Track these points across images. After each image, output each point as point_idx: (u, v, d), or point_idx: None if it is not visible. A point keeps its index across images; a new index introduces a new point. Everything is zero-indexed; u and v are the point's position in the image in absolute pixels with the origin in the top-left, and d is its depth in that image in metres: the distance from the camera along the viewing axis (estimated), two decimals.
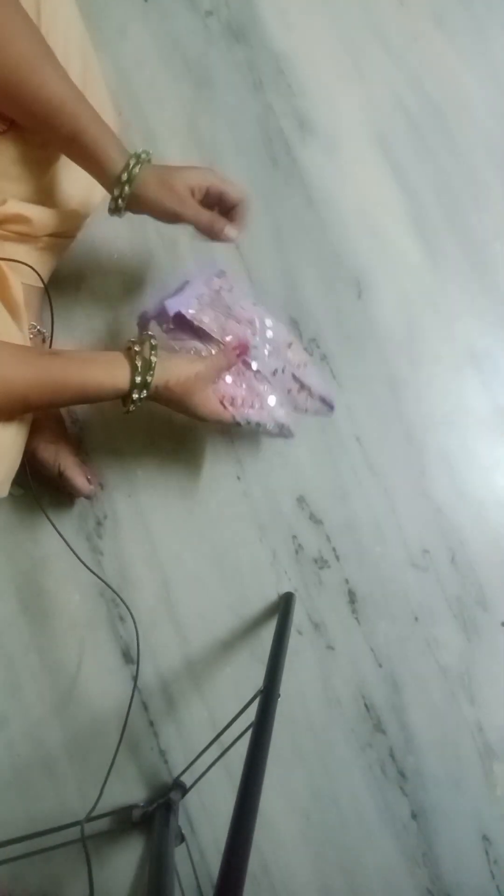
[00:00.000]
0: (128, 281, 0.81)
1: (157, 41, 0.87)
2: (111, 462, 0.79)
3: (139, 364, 0.58)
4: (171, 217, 0.62)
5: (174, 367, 0.61)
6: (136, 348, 0.59)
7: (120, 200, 0.61)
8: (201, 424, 0.80)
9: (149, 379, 0.58)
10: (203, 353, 0.69)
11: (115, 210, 0.62)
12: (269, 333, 0.70)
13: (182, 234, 0.82)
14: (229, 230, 0.64)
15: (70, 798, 0.74)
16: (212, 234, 0.65)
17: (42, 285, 0.65)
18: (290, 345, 0.71)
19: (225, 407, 0.66)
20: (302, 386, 0.72)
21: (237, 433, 0.82)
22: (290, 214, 0.87)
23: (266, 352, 0.70)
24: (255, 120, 0.88)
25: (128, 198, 0.61)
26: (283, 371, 0.71)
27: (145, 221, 0.81)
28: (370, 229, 0.89)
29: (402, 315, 0.88)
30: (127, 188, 0.60)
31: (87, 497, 0.75)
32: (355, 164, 0.90)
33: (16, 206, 0.61)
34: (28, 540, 0.77)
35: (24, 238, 0.64)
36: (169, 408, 0.64)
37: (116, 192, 0.60)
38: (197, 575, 0.79)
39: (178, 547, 0.79)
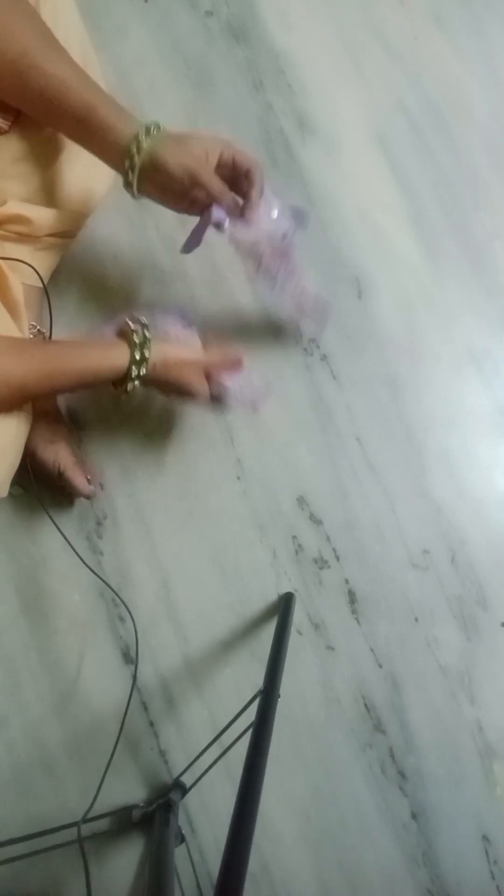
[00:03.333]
0: (127, 281, 0.81)
1: (157, 41, 0.86)
2: (111, 462, 0.79)
3: (137, 341, 0.59)
4: (186, 179, 0.60)
5: (169, 348, 0.62)
6: (133, 326, 0.60)
7: (136, 162, 0.58)
8: (200, 423, 0.80)
9: (146, 353, 0.59)
10: None
11: (128, 179, 0.59)
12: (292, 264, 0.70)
13: (182, 233, 0.82)
14: (232, 206, 0.64)
15: (70, 798, 0.74)
16: (222, 201, 0.63)
17: (42, 285, 0.65)
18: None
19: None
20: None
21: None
22: None
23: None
24: (255, 120, 0.88)
25: (145, 161, 0.58)
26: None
27: (145, 221, 0.81)
28: (370, 229, 0.89)
29: (402, 315, 0.88)
30: (146, 145, 0.57)
31: (87, 497, 0.75)
32: (355, 163, 0.90)
33: (16, 207, 0.61)
34: (28, 539, 0.77)
35: (24, 238, 0.64)
36: (166, 390, 0.64)
37: (134, 149, 0.57)
38: (197, 575, 0.79)
39: (178, 547, 0.79)
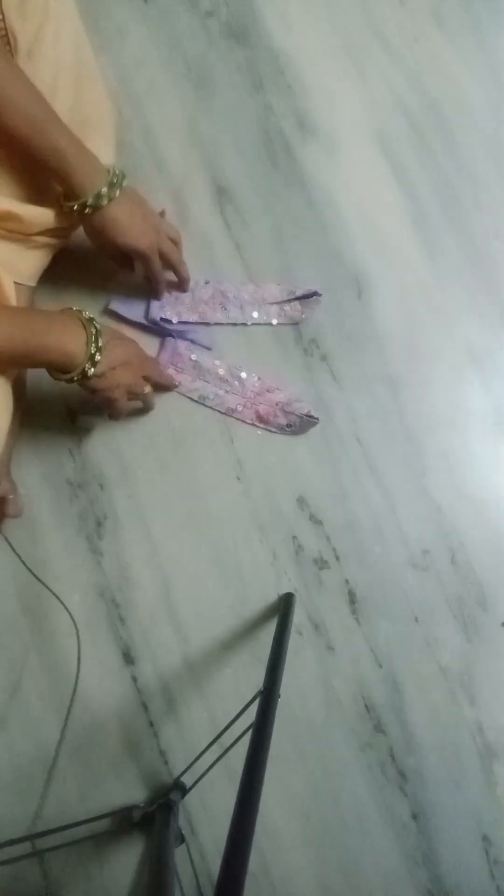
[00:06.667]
0: (122, 281, 0.81)
1: (157, 41, 0.87)
2: (111, 462, 0.79)
3: (87, 317, 0.61)
4: (132, 240, 0.66)
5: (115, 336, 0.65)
6: (86, 316, 0.61)
7: (86, 211, 0.63)
8: (200, 424, 0.80)
9: (98, 327, 0.61)
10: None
11: (76, 213, 0.64)
12: (231, 294, 0.82)
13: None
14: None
15: (70, 798, 0.74)
16: (157, 283, 0.76)
17: (33, 284, 0.66)
18: (249, 289, 0.83)
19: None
20: (282, 303, 0.84)
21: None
22: (290, 214, 0.87)
23: (241, 306, 0.82)
24: (255, 120, 0.88)
25: (92, 214, 0.64)
26: (261, 308, 0.83)
27: None
28: (370, 229, 0.89)
29: (402, 315, 0.88)
30: (88, 210, 0.63)
31: (15, 517, 0.73)
32: (355, 164, 0.90)
33: (6, 204, 0.61)
34: (28, 539, 0.77)
35: (14, 236, 0.64)
36: (105, 385, 0.64)
37: (92, 200, 0.62)
38: (197, 575, 0.79)
39: (178, 547, 0.79)
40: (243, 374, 0.81)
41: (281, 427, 0.81)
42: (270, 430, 0.82)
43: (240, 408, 0.81)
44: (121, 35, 0.85)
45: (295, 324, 0.84)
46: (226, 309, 0.82)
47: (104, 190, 0.62)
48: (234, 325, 0.82)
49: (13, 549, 0.73)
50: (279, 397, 0.82)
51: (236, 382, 0.81)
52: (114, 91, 0.83)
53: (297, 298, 0.83)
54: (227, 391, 0.81)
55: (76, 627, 0.76)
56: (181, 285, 0.79)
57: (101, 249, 0.69)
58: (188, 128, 0.86)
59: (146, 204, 0.69)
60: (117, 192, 0.63)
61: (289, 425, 0.81)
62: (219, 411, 0.81)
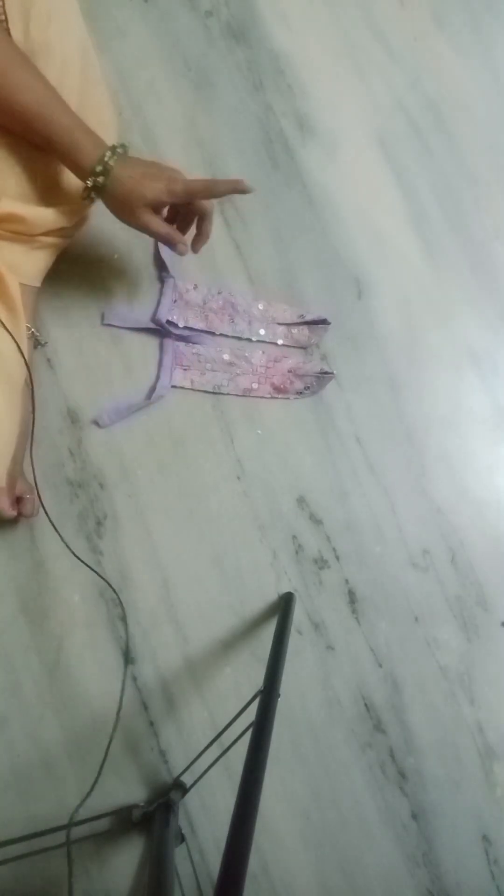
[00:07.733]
0: (127, 280, 0.81)
1: (157, 41, 0.87)
2: (111, 462, 0.79)
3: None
4: (157, 185, 0.63)
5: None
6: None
7: (92, 193, 0.62)
8: (200, 424, 0.80)
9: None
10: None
11: (90, 195, 0.63)
12: (241, 308, 0.82)
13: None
14: (182, 247, 0.68)
15: (70, 798, 0.74)
16: (169, 244, 0.68)
17: (38, 285, 0.66)
18: (259, 306, 0.83)
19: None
20: (290, 325, 0.84)
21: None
22: (290, 214, 0.87)
23: (249, 321, 0.83)
24: (255, 120, 0.88)
25: (102, 189, 0.62)
26: (268, 326, 0.83)
27: None
28: (370, 229, 0.89)
29: (402, 315, 0.88)
30: (101, 179, 0.61)
31: (12, 518, 0.72)
32: (355, 164, 0.90)
33: (10, 206, 0.61)
34: (28, 540, 0.77)
35: (19, 238, 0.64)
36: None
37: (100, 169, 0.61)
38: (197, 575, 0.79)
39: (178, 547, 0.79)
40: (247, 353, 0.81)
41: (299, 392, 0.82)
42: (290, 398, 0.82)
43: (255, 385, 0.81)
44: (121, 35, 0.85)
45: (301, 348, 0.84)
46: (233, 322, 0.82)
47: (108, 154, 0.60)
48: (239, 339, 0.82)
49: (60, 537, 0.72)
50: (288, 364, 0.82)
51: (244, 362, 0.81)
52: (114, 91, 0.83)
53: (306, 323, 0.84)
54: (238, 373, 0.81)
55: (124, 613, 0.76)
56: (200, 237, 0.71)
57: (136, 220, 0.64)
58: (188, 128, 0.86)
59: (161, 162, 0.65)
60: (121, 151, 0.61)
61: (306, 387, 0.82)
62: (236, 395, 0.81)
